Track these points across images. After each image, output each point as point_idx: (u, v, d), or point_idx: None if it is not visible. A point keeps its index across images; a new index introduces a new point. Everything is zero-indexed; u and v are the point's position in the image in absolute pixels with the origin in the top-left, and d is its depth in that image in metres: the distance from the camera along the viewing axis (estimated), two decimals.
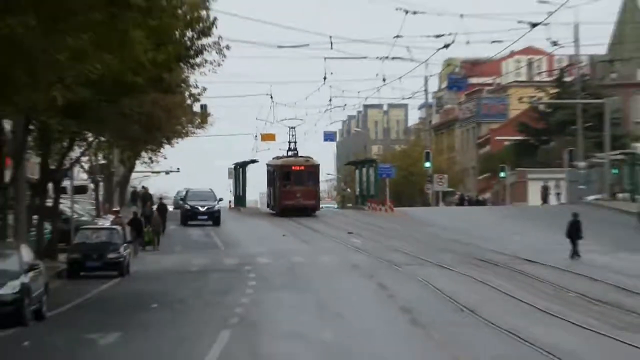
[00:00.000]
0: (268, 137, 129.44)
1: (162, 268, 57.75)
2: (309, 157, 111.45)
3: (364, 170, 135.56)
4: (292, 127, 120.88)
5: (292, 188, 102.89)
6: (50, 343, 31.52)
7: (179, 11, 49.23)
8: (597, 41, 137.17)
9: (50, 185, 66.34)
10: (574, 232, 61.33)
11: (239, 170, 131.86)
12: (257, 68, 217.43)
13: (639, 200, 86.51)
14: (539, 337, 30.29)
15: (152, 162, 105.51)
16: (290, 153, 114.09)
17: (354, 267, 54.86)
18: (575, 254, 60.17)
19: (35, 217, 61.54)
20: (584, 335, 31.41)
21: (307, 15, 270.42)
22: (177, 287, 47.13)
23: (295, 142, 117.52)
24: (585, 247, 60.25)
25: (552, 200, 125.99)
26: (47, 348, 30.48)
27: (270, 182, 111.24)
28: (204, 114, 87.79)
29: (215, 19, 53.54)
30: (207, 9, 52.84)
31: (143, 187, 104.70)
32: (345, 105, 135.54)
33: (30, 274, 37.47)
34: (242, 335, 31.98)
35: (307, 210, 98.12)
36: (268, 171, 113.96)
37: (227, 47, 56.70)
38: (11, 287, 35.23)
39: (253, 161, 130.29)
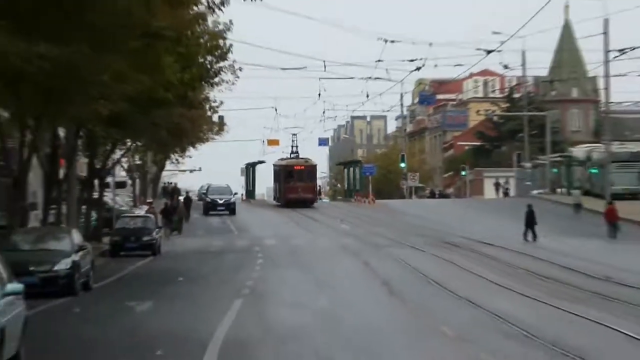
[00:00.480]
0: (273, 142, 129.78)
1: (187, 249, 57.82)
2: (308, 159, 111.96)
3: (351, 169, 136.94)
4: (293, 134, 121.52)
5: (295, 184, 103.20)
6: (96, 310, 31.71)
7: (202, 40, 49.69)
8: (540, 65, 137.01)
9: (96, 181, 66.50)
10: (531, 219, 61.78)
11: (250, 169, 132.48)
12: (264, 86, 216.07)
13: (574, 194, 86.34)
14: (492, 305, 30.65)
15: (178, 162, 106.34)
16: (292, 155, 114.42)
17: (344, 248, 54.96)
18: (534, 237, 60.68)
19: (83, 207, 62.02)
20: (528, 303, 31.78)
21: (305, 43, 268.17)
22: (199, 265, 47.24)
23: (296, 147, 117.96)
24: (548, 232, 60.31)
25: (500, 194, 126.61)
26: (93, 314, 30.64)
27: (276, 179, 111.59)
28: (221, 124, 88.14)
29: (230, 46, 54.45)
30: (223, 38, 53.35)
31: (172, 183, 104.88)
32: (336, 116, 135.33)
33: (80, 253, 37.80)
34: (251, 303, 32.18)
35: (307, 202, 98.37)
36: (274, 170, 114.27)
37: (240, 69, 57.92)
38: (64, 264, 35.51)
39: (261, 162, 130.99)
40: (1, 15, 26.82)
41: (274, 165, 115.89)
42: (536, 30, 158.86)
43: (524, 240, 59.82)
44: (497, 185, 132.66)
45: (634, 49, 78.31)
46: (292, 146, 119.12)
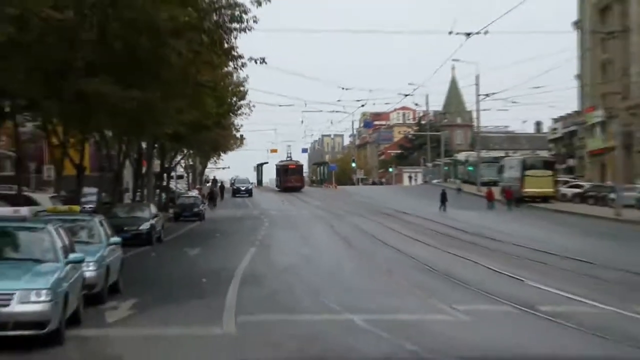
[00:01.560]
0: (274, 151, 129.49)
1: (221, 216, 57.50)
2: (297, 161, 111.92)
3: (322, 167, 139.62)
4: (288, 146, 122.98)
5: (289, 177, 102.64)
6: (165, 254, 31.75)
7: (230, 88, 50.24)
8: (437, 103, 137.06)
9: (165, 175, 66.62)
10: (444, 198, 60.93)
11: (259, 167, 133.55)
12: (268, 115, 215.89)
13: (457, 182, 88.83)
14: (409, 251, 30.85)
15: (216, 162, 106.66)
16: (287, 158, 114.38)
17: (317, 216, 54.60)
18: (444, 209, 59.23)
19: (157, 190, 62.15)
20: (432, 250, 31.75)
21: (293, 89, 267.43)
22: (229, 226, 46.96)
23: (290, 153, 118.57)
24: (431, 207, 59.51)
25: (412, 183, 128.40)
26: (163, 256, 30.72)
27: (277, 174, 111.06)
28: (241, 139, 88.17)
29: (247, 91, 56.33)
30: (243, 86, 54.24)
31: (214, 177, 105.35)
32: (312, 135, 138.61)
33: (155, 219, 37.91)
34: (260, 250, 32.11)
35: (297, 188, 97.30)
36: (276, 168, 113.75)
37: (253, 106, 59.18)
38: (145, 226, 35.69)
39: (265, 163, 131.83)
40: (107, 71, 26.92)
41: (276, 165, 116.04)
42: (436, 81, 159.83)
43: (439, 211, 58.15)
44: (410, 178, 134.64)
45: (493, 94, 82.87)
46: (287, 153, 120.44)
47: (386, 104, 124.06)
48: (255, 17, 29.71)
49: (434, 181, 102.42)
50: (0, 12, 18.49)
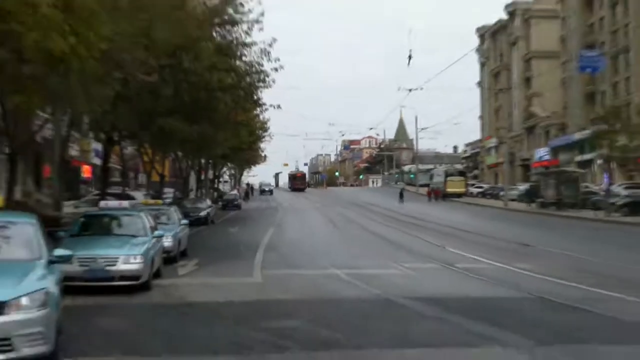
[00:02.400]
0: (286, 165, 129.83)
1: (252, 207, 57.04)
2: (302, 171, 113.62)
3: (317, 175, 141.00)
4: (296, 161, 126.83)
5: (297, 181, 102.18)
6: (215, 231, 31.30)
7: (258, 124, 50.12)
8: (391, 133, 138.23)
9: (216, 180, 66.67)
10: (402, 194, 60.72)
11: (277, 175, 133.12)
12: (283, 142, 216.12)
13: (401, 185, 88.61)
14: (378, 231, 30.53)
15: (248, 172, 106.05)
16: (295, 169, 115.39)
17: (314, 207, 54.33)
18: (402, 202, 58.16)
19: (211, 190, 61.88)
20: (391, 230, 31.38)
21: (297, 124, 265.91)
22: (257, 214, 46.55)
23: (297, 167, 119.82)
24: (389, 201, 59.33)
25: (374, 185, 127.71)
26: (215, 232, 30.32)
27: (289, 179, 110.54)
28: (265, 157, 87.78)
29: (269, 126, 56.25)
30: (266, 123, 54.00)
31: (247, 182, 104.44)
32: (309, 156, 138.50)
33: (210, 208, 37.61)
34: (277, 230, 31.68)
35: (302, 189, 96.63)
36: (289, 176, 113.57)
37: (273, 136, 59.70)
38: (204, 213, 35.19)
39: (280, 172, 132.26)
40: (179, 114, 26.82)
41: (288, 173, 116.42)
42: (391, 120, 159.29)
43: (398, 203, 56.80)
44: (373, 182, 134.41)
45: (426, 128, 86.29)
46: (296, 166, 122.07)
47: (358, 134, 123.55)
48: (274, 79, 29.72)
49: (397, 183, 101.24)
50: (112, 76, 18.44)
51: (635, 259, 18.81)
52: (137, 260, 12.82)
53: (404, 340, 8.77)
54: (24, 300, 6.45)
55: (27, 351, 6.35)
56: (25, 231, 7.87)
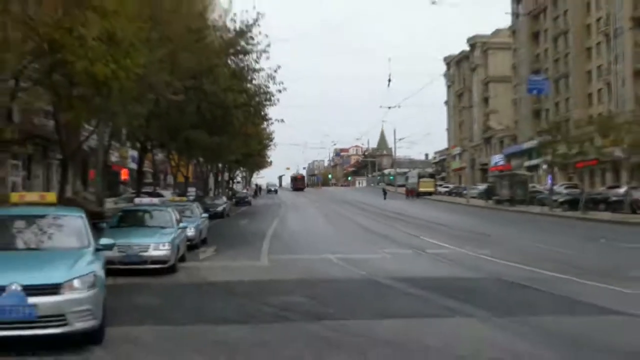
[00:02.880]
0: (288, 168, 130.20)
1: (260, 203, 56.43)
2: (302, 174, 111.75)
3: (314, 177, 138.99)
4: (297, 166, 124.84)
5: (297, 182, 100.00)
6: (229, 223, 30.85)
7: (265, 135, 49.62)
8: (374, 143, 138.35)
9: (230, 181, 66.34)
10: (385, 193, 60.29)
11: (280, 177, 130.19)
12: (285, 150, 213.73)
13: (383, 185, 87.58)
14: (363, 223, 30.34)
15: (257, 174, 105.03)
16: (297, 172, 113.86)
17: (311, 204, 53.91)
18: (385, 199, 57.69)
19: (226, 189, 61.47)
20: (374, 222, 31.19)
21: (298, 134, 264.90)
22: (264, 209, 46.21)
23: (298, 171, 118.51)
24: (374, 198, 59.14)
25: (360, 185, 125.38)
26: (229, 223, 29.99)
27: (291, 180, 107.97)
28: (271, 163, 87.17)
29: (274, 137, 55.43)
30: (271, 134, 53.64)
31: (256, 182, 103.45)
32: (307, 162, 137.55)
33: (225, 204, 37.19)
34: (280, 222, 31.54)
35: (302, 189, 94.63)
36: (291, 177, 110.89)
37: (277, 144, 58.77)
38: (220, 207, 34.75)
39: (283, 175, 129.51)
40: (200, 128, 26.77)
41: (290, 176, 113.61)
42: (374, 132, 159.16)
43: (383, 200, 56.19)
44: (359, 183, 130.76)
45: (403, 138, 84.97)
46: (297, 170, 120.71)
47: (347, 143, 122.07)
48: (278, 99, 29.79)
49: (379, 184, 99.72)
50: (145, 96, 18.46)
51: (574, 246, 18.78)
52: (165, 247, 12.74)
53: (385, 313, 8.74)
54: (76, 283, 6.37)
55: (79, 325, 6.31)
56: (75, 223, 7.81)
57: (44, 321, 6.10)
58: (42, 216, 7.84)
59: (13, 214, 7.83)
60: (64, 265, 6.63)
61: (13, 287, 6.04)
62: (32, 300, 6.04)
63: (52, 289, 6.20)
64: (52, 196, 8.45)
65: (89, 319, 6.41)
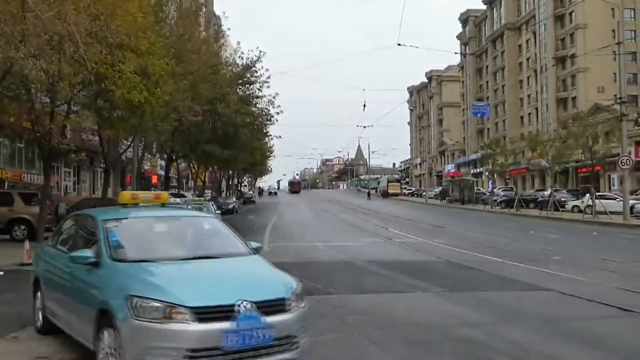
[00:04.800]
0: (284, 174, 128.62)
1: (262, 202, 55.46)
2: (298, 179, 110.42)
3: (304, 182, 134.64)
4: (293, 172, 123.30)
5: (294, 186, 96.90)
6: (239, 218, 30.01)
7: (266, 148, 49.19)
8: (352, 155, 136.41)
9: (239, 184, 65.66)
10: (369, 195, 59.84)
11: (278, 181, 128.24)
12: (283, 160, 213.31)
13: (363, 189, 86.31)
14: (345, 218, 30.07)
15: (260, 179, 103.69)
16: (293, 177, 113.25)
17: (305, 202, 53.13)
18: (368, 199, 56.63)
19: (236, 191, 60.82)
20: (358, 219, 30.92)
21: (291, 147, 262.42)
22: (265, 206, 45.43)
23: (294, 176, 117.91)
24: (353, 198, 58.64)
25: (342, 188, 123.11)
26: (238, 218, 29.08)
27: (288, 184, 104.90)
28: (270, 169, 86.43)
29: (274, 150, 55.22)
30: (272, 147, 53.23)
31: (260, 186, 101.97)
32: (299, 169, 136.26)
33: (235, 203, 36.85)
34: (279, 217, 31.17)
35: (298, 191, 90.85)
36: (288, 182, 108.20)
37: (276, 156, 58.17)
38: (231, 205, 34.37)
39: (281, 179, 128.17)
40: (215, 142, 26.65)
41: (288, 181, 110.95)
42: (353, 146, 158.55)
43: (367, 201, 54.38)
44: (340, 186, 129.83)
45: (376, 151, 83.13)
46: (293, 176, 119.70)
47: (331, 155, 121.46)
48: (276, 119, 29.89)
49: (359, 189, 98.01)
50: (171, 117, 18.48)
51: (509, 236, 18.81)
52: None
53: (360, 289, 8.68)
54: (294, 295, 4.25)
55: (304, 345, 4.23)
56: (221, 226, 5.46)
57: (278, 345, 4.00)
58: (192, 217, 5.75)
59: (161, 215, 5.31)
60: (269, 274, 4.48)
61: (244, 305, 3.87)
62: (267, 320, 3.94)
63: (280, 305, 4.09)
64: (165, 196, 5.71)
65: (306, 335, 4.29)
